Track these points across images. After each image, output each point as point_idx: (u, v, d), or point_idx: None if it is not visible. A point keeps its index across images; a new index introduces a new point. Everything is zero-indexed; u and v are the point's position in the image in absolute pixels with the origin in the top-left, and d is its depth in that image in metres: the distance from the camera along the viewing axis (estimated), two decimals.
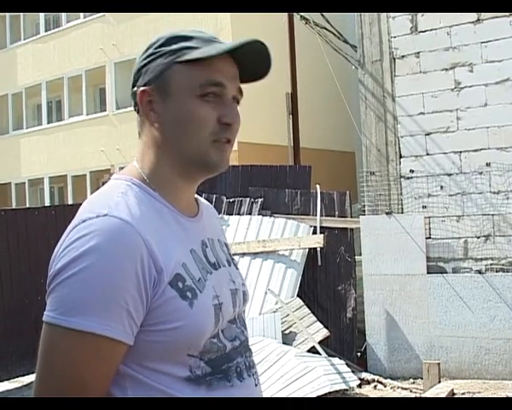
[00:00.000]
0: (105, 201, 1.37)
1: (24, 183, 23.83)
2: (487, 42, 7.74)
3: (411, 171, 8.20)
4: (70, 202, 21.05)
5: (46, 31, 23.65)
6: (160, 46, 1.47)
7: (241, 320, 1.56)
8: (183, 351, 1.36)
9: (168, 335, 1.34)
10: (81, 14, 22.32)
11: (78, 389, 1.27)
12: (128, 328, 1.30)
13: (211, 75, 1.44)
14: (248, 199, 9.25)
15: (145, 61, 1.47)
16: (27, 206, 20.34)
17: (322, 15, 12.07)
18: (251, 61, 1.47)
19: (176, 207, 1.47)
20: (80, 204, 1.42)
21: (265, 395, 1.59)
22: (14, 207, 20.81)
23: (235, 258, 1.69)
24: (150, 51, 1.47)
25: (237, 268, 1.63)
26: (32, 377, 8.33)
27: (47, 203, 22.07)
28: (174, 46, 1.45)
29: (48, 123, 23.65)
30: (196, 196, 1.62)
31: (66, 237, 1.34)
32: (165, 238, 1.39)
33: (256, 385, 1.53)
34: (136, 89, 1.48)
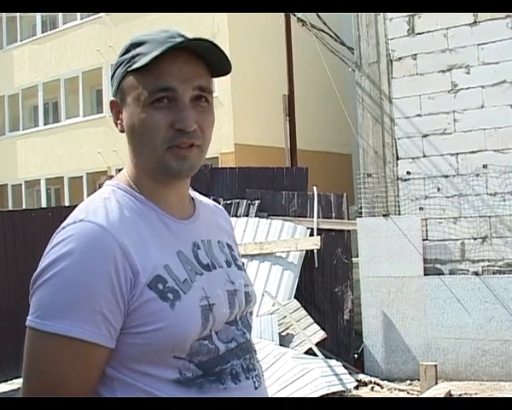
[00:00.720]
0: (86, 207, 1.40)
1: (20, 184, 23.79)
2: (484, 44, 7.75)
3: (408, 173, 8.20)
4: (67, 203, 21.02)
5: (43, 32, 23.62)
6: (121, 55, 1.48)
7: (243, 322, 1.55)
8: (168, 353, 1.35)
9: (149, 337, 1.33)
10: (78, 16, 22.30)
11: (58, 390, 1.29)
12: (105, 330, 1.30)
13: (158, 81, 1.40)
14: (245, 201, 9.25)
15: (112, 71, 1.50)
16: (24, 207, 20.31)
17: (319, 17, 12.07)
18: (210, 56, 1.43)
19: (164, 210, 1.47)
20: (77, 206, 1.44)
21: None
22: (10, 208, 20.79)
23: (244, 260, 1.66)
24: (117, 60, 1.49)
25: (241, 269, 1.61)
26: None
27: (43, 205, 22.01)
28: (128, 54, 1.45)
29: (44, 124, 23.61)
30: (198, 196, 1.62)
31: (49, 244, 1.37)
32: (146, 241, 1.39)
33: (256, 388, 1.50)
34: (111, 98, 1.52)
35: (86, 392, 1.32)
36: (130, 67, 1.44)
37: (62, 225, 1.37)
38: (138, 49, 1.43)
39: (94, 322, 1.29)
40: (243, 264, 1.67)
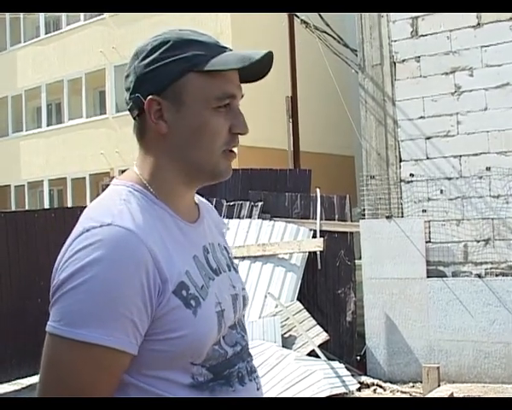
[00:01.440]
0: (108, 209, 1.36)
1: (23, 185, 23.84)
2: (487, 46, 7.74)
3: (411, 175, 8.19)
4: (69, 204, 21.06)
5: (46, 33, 23.69)
6: (167, 50, 1.42)
7: (241, 325, 1.55)
8: (187, 359, 1.36)
9: (172, 344, 1.33)
10: (81, 17, 22.35)
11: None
12: (132, 338, 1.29)
13: (226, 87, 1.43)
14: (248, 203, 9.25)
15: (152, 66, 1.42)
16: (26, 208, 20.34)
17: (322, 19, 12.07)
18: (253, 67, 1.44)
19: (177, 213, 1.46)
20: (80, 207, 1.43)
21: None
22: (13, 209, 20.81)
23: (235, 262, 1.66)
24: (156, 56, 1.42)
25: (237, 272, 1.62)
26: (31, 380, 8.33)
27: (46, 206, 22.06)
28: (187, 53, 1.41)
29: (47, 126, 23.67)
30: (198, 197, 1.61)
31: (69, 246, 1.33)
32: (169, 246, 1.37)
33: (258, 389, 1.53)
34: (139, 95, 1.43)
35: None
36: (195, 66, 1.41)
37: (84, 226, 1.32)
38: (198, 50, 1.41)
39: (124, 330, 1.27)
40: (237, 266, 1.68)
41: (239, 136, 1.47)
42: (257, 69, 1.47)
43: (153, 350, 1.33)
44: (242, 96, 1.50)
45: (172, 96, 1.42)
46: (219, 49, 1.45)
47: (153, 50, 1.43)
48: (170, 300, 1.33)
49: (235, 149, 1.48)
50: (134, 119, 1.48)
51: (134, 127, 1.50)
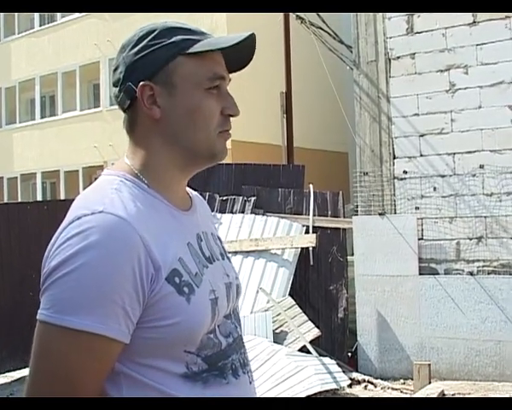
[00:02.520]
0: (99, 197, 1.35)
1: (16, 177, 23.76)
2: (483, 44, 7.75)
3: (405, 172, 8.20)
4: (62, 197, 21.01)
5: (40, 25, 23.59)
6: (155, 38, 1.43)
7: (235, 315, 1.55)
8: (180, 347, 1.35)
9: (165, 331, 1.32)
10: None
11: (71, 387, 1.26)
12: (124, 326, 1.28)
13: (216, 68, 1.45)
14: (241, 197, 9.24)
15: (141, 54, 1.43)
16: (19, 200, 20.28)
17: (318, 15, 12.06)
18: (236, 52, 1.47)
19: (170, 202, 1.45)
20: (73, 200, 1.41)
21: (256, 393, 1.59)
22: (6, 201, 20.75)
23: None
24: (144, 44, 1.43)
25: (230, 261, 1.63)
26: (22, 373, 8.32)
27: (39, 198, 21.99)
28: (175, 38, 1.42)
29: (41, 118, 23.58)
30: (188, 189, 1.61)
31: (60, 233, 1.32)
32: (162, 233, 1.37)
33: (250, 382, 1.52)
34: (130, 84, 1.43)
35: (98, 388, 1.31)
36: (183, 49, 1.42)
37: (75, 214, 1.31)
38: (185, 36, 1.43)
39: (116, 318, 1.26)
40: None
41: (231, 119, 1.49)
42: (241, 55, 1.49)
43: (145, 338, 1.32)
44: (230, 81, 1.51)
45: (164, 80, 1.43)
46: (205, 35, 1.47)
47: (140, 39, 1.45)
48: (162, 287, 1.32)
49: (229, 130, 1.49)
50: (124, 111, 1.48)
51: (124, 120, 1.49)
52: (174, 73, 1.42)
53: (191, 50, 1.42)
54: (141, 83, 1.42)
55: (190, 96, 1.43)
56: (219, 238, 1.64)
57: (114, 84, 1.48)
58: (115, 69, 1.48)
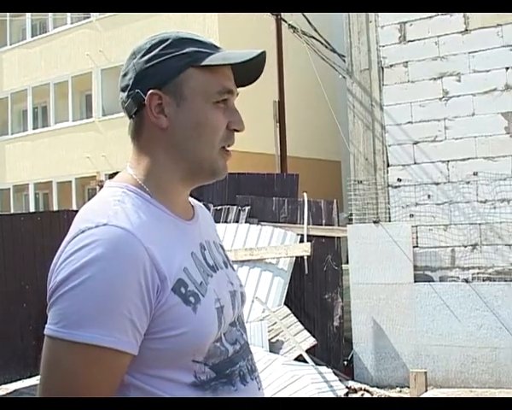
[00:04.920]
0: (103, 209, 1.35)
1: (9, 188, 23.71)
2: (475, 52, 7.77)
3: (399, 180, 8.21)
4: (55, 208, 20.95)
5: (32, 36, 23.59)
6: (167, 47, 1.43)
7: (240, 322, 1.55)
8: (188, 357, 1.35)
9: (173, 342, 1.32)
10: (68, 20, 22.27)
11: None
12: (132, 338, 1.28)
13: (225, 82, 1.45)
14: (235, 207, 9.24)
15: (152, 62, 1.43)
16: (12, 212, 20.22)
17: (310, 24, 12.09)
18: (245, 67, 1.47)
19: (173, 212, 1.45)
20: (66, 211, 1.40)
21: None
22: None
23: None
24: (156, 52, 1.43)
25: (233, 269, 1.63)
26: (17, 385, 8.27)
27: (32, 209, 21.95)
28: (187, 49, 1.43)
29: (33, 129, 23.56)
30: (190, 198, 1.61)
31: (64, 247, 1.32)
32: (166, 244, 1.37)
33: (259, 388, 1.53)
34: (139, 91, 1.43)
35: None
36: (195, 61, 1.42)
37: (79, 227, 1.31)
38: (197, 47, 1.44)
39: (124, 330, 1.26)
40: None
41: (235, 134, 1.49)
42: (250, 71, 1.49)
43: (154, 349, 1.32)
44: (237, 95, 1.51)
45: (173, 90, 1.42)
46: (216, 48, 1.47)
47: (152, 48, 1.44)
48: (169, 297, 1.32)
49: (230, 150, 1.50)
50: (130, 117, 1.48)
51: (129, 126, 1.49)
52: (184, 84, 1.42)
53: (204, 63, 1.42)
54: (150, 91, 1.42)
55: (199, 109, 1.43)
56: (222, 247, 1.64)
57: (122, 90, 1.47)
58: (124, 75, 1.47)
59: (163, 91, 1.42)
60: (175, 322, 1.32)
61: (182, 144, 1.43)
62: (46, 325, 1.28)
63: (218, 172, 1.48)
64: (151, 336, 1.31)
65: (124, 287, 1.26)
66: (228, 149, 1.49)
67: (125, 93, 1.46)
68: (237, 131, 1.48)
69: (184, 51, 1.42)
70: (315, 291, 8.73)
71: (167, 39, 1.44)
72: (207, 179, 1.49)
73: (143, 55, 1.44)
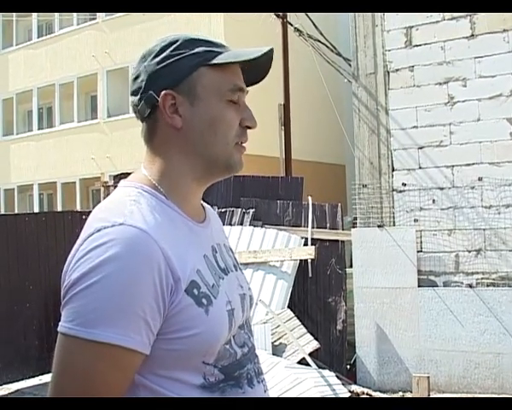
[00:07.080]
0: (118, 209, 1.35)
1: (13, 189, 23.74)
2: (481, 57, 7.77)
3: (404, 184, 8.20)
4: (59, 209, 20.98)
5: (38, 37, 23.63)
6: (178, 48, 1.44)
7: (248, 326, 1.56)
8: (199, 358, 1.36)
9: (185, 342, 1.33)
10: (74, 21, 22.32)
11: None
12: (145, 337, 1.29)
13: (236, 80, 1.47)
14: (240, 209, 9.24)
15: (164, 63, 1.44)
16: (16, 212, 20.24)
17: (316, 27, 12.10)
18: (254, 66, 1.49)
19: (186, 214, 1.46)
20: (70, 211, 1.41)
21: None
22: (2, 212, 20.70)
23: None
24: (167, 53, 1.44)
25: (243, 273, 1.64)
26: (19, 385, 8.28)
27: (36, 210, 21.97)
28: (197, 49, 1.44)
29: (38, 129, 23.59)
30: (201, 201, 1.62)
31: (80, 245, 1.32)
32: (180, 245, 1.37)
33: (265, 391, 1.54)
34: (152, 92, 1.43)
35: None
36: (207, 60, 1.44)
37: (95, 226, 1.31)
38: (207, 47, 1.46)
39: (138, 329, 1.27)
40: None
41: (248, 130, 1.51)
42: (257, 69, 1.51)
43: (165, 349, 1.33)
44: (247, 93, 1.53)
45: (187, 90, 1.44)
46: (225, 47, 1.50)
47: (163, 49, 1.46)
48: (182, 298, 1.33)
49: (244, 144, 1.52)
50: (143, 121, 1.49)
51: (142, 129, 1.50)
52: (197, 83, 1.44)
53: (215, 61, 1.44)
54: (163, 92, 1.43)
55: (212, 107, 1.44)
56: (231, 250, 1.66)
57: (134, 93, 1.48)
58: (135, 78, 1.48)
59: (176, 91, 1.43)
60: (187, 323, 1.33)
61: (197, 142, 1.45)
62: (60, 323, 1.28)
63: (234, 167, 1.50)
64: (163, 336, 1.32)
65: (139, 287, 1.27)
66: (243, 143, 1.51)
67: (137, 96, 1.47)
68: (250, 127, 1.50)
69: (195, 51, 1.44)
70: (318, 295, 8.73)
71: (177, 40, 1.46)
72: (223, 174, 1.51)
73: (155, 57, 1.45)
